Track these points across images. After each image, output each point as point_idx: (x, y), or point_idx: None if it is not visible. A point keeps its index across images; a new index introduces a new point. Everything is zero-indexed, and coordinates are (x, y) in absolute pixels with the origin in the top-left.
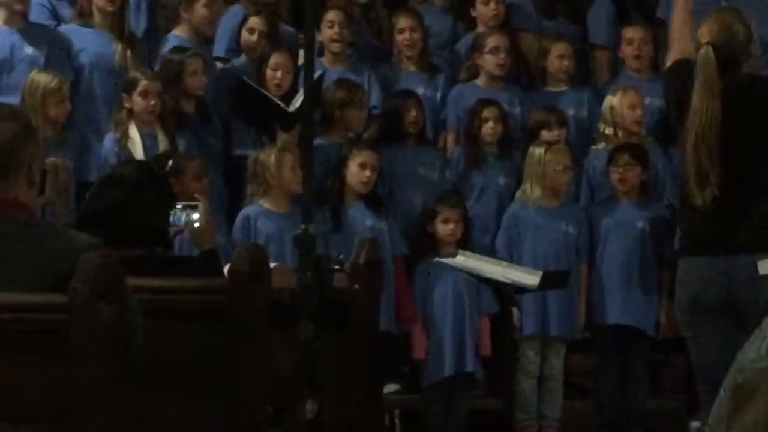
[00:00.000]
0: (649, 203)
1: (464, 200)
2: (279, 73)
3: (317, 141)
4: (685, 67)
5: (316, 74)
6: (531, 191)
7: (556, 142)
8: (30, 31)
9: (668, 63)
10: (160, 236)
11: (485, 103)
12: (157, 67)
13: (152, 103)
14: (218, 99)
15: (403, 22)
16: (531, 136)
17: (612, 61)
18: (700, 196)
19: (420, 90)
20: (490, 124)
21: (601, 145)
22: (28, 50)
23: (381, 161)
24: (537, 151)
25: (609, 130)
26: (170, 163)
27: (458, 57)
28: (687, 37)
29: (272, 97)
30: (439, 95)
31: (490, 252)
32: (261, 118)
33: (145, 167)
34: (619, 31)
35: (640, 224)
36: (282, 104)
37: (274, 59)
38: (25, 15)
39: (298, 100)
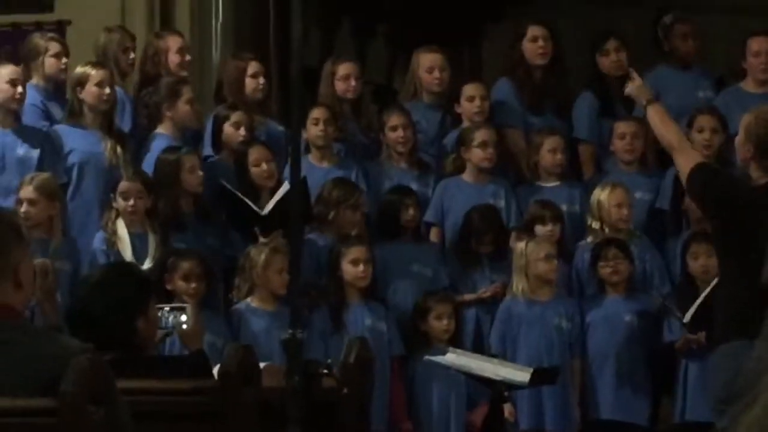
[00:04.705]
0: (636, 296)
1: (454, 296)
2: (264, 165)
3: (312, 236)
4: (715, 170)
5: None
6: (517, 284)
7: (549, 238)
8: (22, 131)
9: (685, 165)
10: (120, 339)
11: (482, 214)
12: (142, 167)
13: (131, 203)
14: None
15: (395, 119)
16: (526, 230)
17: (595, 156)
18: None
19: (413, 186)
20: (489, 237)
21: (590, 239)
22: (21, 150)
23: (376, 258)
24: (519, 245)
25: (596, 225)
26: (170, 261)
27: (446, 152)
28: (685, 139)
29: (247, 202)
30: (430, 192)
31: (488, 343)
32: (241, 222)
33: (116, 268)
34: (603, 125)
35: (627, 318)
36: (255, 208)
37: (254, 154)
38: (17, 116)
39: (270, 204)
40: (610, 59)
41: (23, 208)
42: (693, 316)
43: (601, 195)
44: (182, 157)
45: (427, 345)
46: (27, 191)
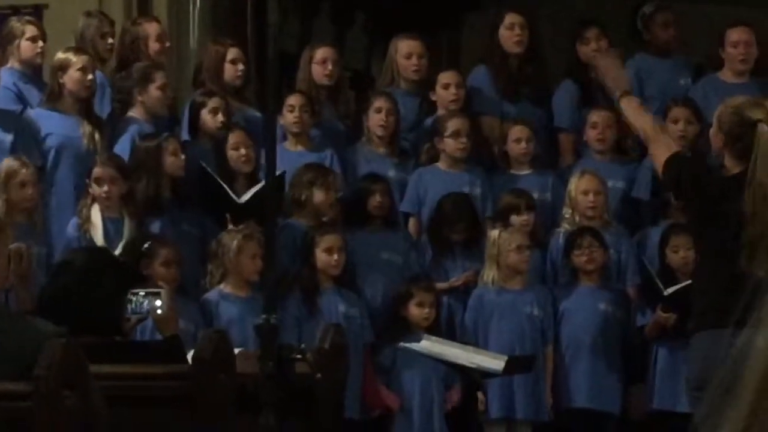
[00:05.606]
0: (610, 285)
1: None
2: (243, 149)
3: (287, 221)
4: (689, 159)
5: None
6: (488, 273)
7: (524, 227)
8: None
9: (659, 155)
10: (108, 325)
11: (454, 203)
12: (114, 150)
13: (105, 189)
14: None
15: (380, 102)
16: (500, 219)
17: (576, 144)
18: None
19: (391, 173)
20: (461, 225)
21: (564, 228)
22: None
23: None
24: (493, 233)
25: (568, 214)
26: (147, 244)
27: (423, 140)
28: (659, 130)
29: (226, 188)
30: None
31: (460, 332)
32: (215, 207)
33: (98, 254)
34: (583, 114)
35: (602, 306)
36: (233, 195)
37: (233, 139)
38: None
39: (249, 194)
40: (591, 48)
41: (29, 191)
42: (670, 296)
43: (572, 183)
44: (163, 143)
45: (405, 331)
46: (27, 174)
